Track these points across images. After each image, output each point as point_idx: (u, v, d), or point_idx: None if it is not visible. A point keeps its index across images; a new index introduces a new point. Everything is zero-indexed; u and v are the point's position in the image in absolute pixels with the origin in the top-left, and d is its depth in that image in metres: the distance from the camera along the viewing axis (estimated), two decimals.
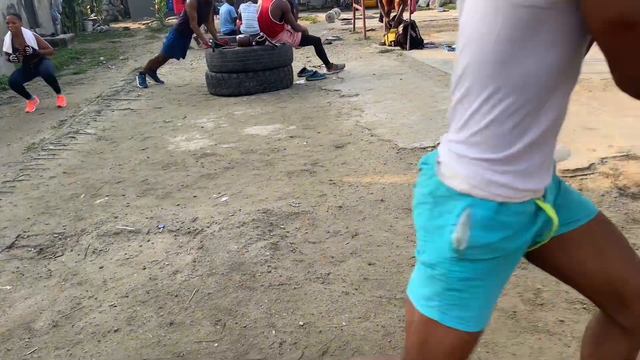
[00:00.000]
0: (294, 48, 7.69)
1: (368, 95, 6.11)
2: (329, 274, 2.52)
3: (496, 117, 0.94)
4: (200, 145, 4.73)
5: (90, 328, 2.27)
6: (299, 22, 13.56)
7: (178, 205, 3.45)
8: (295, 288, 2.44)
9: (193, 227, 3.11)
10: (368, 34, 11.43)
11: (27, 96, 6.64)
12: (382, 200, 3.28)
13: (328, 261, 2.64)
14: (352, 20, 12.75)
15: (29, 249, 3.01)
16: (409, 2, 9.13)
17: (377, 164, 3.92)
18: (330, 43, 10.79)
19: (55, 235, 3.15)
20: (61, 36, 13.64)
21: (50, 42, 9.10)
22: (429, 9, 16.79)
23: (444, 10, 15.56)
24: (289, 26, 7.40)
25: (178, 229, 3.10)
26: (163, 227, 3.14)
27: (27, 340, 2.23)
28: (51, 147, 5.02)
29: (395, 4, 9.67)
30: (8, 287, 2.63)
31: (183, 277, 2.59)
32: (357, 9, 12.39)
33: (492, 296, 1.07)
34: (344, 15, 15.60)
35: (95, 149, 4.87)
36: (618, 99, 4.79)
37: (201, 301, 2.39)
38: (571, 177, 3.25)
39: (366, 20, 11.58)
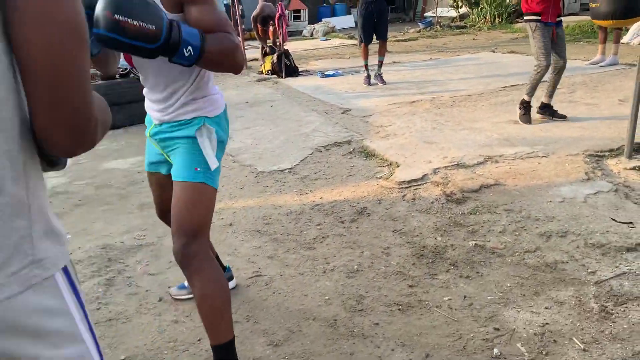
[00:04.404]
0: None
1: (237, 123, 6.15)
2: (161, 302, 2.47)
3: None
4: (53, 184, 4.49)
5: None
6: None
7: None
8: (123, 322, 2.36)
9: None
10: (250, 63, 11.57)
11: None
12: (230, 225, 3.29)
13: (164, 291, 2.59)
14: None
15: None
16: (280, 32, 9.42)
17: (234, 189, 3.94)
18: None
19: None
20: None
21: None
22: (312, 38, 17.33)
23: (326, 39, 16.13)
24: None
25: None
26: None
27: None
28: None
29: (269, 34, 9.96)
30: None
31: None
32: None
33: None
34: None
35: None
36: (460, 114, 5.22)
37: None
38: (406, 187, 3.47)
39: (248, 50, 11.73)
